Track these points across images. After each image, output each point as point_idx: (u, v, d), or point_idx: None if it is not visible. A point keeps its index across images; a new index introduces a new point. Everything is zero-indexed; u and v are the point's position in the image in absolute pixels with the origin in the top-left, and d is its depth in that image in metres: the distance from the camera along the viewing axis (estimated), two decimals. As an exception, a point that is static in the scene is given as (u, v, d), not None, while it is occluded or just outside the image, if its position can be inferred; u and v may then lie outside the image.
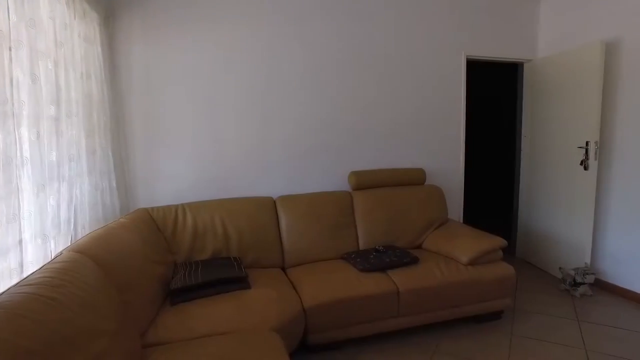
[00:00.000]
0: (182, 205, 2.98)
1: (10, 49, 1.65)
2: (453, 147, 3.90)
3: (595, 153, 3.40)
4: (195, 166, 3.24)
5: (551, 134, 3.87)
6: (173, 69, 3.12)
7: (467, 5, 3.83)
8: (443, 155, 3.87)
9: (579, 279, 3.39)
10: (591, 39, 3.55)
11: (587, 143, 3.43)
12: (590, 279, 3.36)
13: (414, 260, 2.82)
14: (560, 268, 3.63)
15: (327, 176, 3.54)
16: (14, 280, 1.59)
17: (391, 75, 3.64)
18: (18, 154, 1.70)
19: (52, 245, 1.97)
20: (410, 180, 3.48)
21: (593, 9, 3.57)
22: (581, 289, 3.39)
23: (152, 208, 2.90)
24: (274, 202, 3.17)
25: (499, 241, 2.92)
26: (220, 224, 2.94)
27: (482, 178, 7.30)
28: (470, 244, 2.90)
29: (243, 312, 2.19)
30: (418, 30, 3.70)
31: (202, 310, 2.18)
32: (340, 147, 3.56)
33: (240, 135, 3.31)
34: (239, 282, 2.44)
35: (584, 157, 3.45)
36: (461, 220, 3.95)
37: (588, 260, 3.49)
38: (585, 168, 3.46)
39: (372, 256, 2.84)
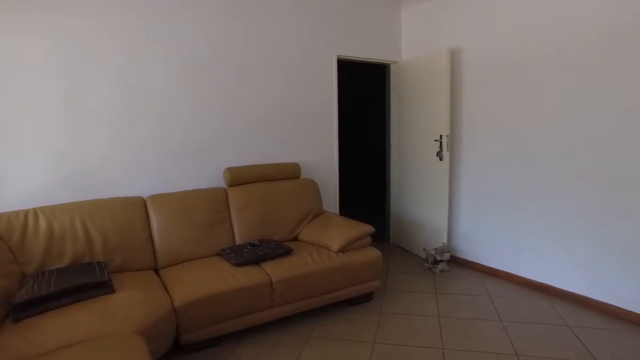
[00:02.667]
0: (34, 209, 2.67)
1: None
2: (327, 142, 4.09)
3: (447, 145, 3.84)
4: (49, 166, 2.91)
5: (414, 128, 4.28)
6: (16, 61, 2.77)
7: (337, 8, 4.05)
8: (318, 150, 4.03)
9: (438, 258, 3.80)
10: (440, 46, 4.02)
11: (440, 136, 3.86)
12: (446, 256, 3.79)
13: (288, 252, 2.90)
14: (424, 249, 4.04)
15: (203, 173, 3.46)
16: None
17: (265, 73, 3.68)
18: None
19: None
20: (286, 174, 3.57)
21: (442, 22, 4.07)
22: (440, 266, 3.81)
23: (-8, 215, 2.55)
24: (144, 201, 3.01)
25: (367, 228, 3.15)
26: (81, 227, 2.70)
27: (361, 170, 7.78)
28: (341, 233, 3.08)
29: (104, 318, 2.04)
30: (291, 30, 3.80)
31: (55, 321, 1.98)
32: (216, 143, 3.50)
33: (105, 133, 3.07)
34: (101, 288, 2.27)
35: (439, 149, 3.88)
36: (337, 211, 4.17)
37: (445, 240, 3.93)
38: (441, 159, 3.89)
39: (246, 250, 2.86)
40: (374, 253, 3.09)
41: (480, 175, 3.80)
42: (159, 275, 2.78)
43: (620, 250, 2.89)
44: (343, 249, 3.01)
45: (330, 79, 4.06)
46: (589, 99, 2.97)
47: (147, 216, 2.96)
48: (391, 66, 4.63)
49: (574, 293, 3.17)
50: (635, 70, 2.72)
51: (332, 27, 4.05)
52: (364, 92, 7.51)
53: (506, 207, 3.60)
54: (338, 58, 4.14)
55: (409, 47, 4.49)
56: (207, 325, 2.47)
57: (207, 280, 2.52)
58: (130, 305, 2.17)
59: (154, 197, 3.04)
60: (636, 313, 2.82)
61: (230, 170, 3.33)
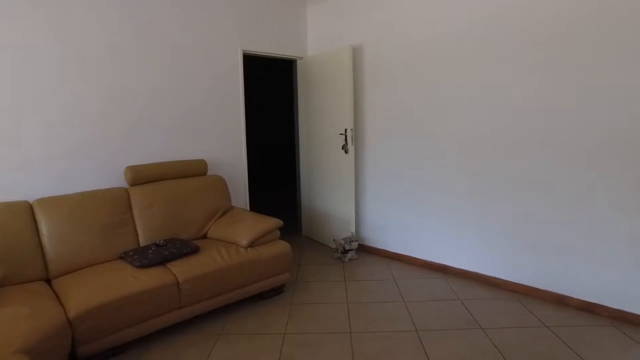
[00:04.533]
0: None
1: None
2: (235, 138, 4.05)
3: (352, 138, 4.02)
4: None
5: (320, 123, 4.41)
6: None
7: (242, 3, 4.00)
8: (225, 146, 3.98)
9: (347, 247, 3.97)
10: (344, 43, 4.18)
11: (345, 130, 4.03)
12: (354, 245, 3.98)
13: (195, 250, 2.84)
14: (334, 240, 4.19)
15: (103, 173, 3.22)
16: None
17: (167, 67, 3.53)
18: None
19: None
20: (192, 171, 3.48)
21: (345, 20, 4.23)
22: (349, 255, 3.99)
23: None
24: (30, 206, 2.73)
25: (276, 222, 3.19)
26: (-51, 240, 2.39)
27: (275, 164, 7.81)
28: (249, 228, 3.08)
29: (-19, 340, 1.84)
30: (196, 24, 3.68)
31: None
32: (117, 140, 3.27)
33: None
34: (-24, 306, 2.04)
35: (344, 142, 4.05)
36: (247, 207, 4.16)
37: (353, 230, 4.12)
38: (346, 152, 4.06)
39: (150, 251, 2.74)
40: (283, 246, 3.15)
41: (383, 166, 4.04)
42: (51, 286, 2.56)
43: (503, 230, 3.28)
44: (252, 244, 3.02)
45: (236, 74, 4.02)
46: (482, 94, 3.30)
47: (35, 222, 2.70)
48: (298, 61, 4.70)
49: (466, 270, 3.53)
50: (519, 71, 3.10)
51: (238, 22, 4.00)
52: (279, 86, 7.53)
53: (407, 195, 3.88)
54: (244, 53, 4.11)
55: (315, 43, 4.60)
56: (109, 334, 2.34)
57: (106, 286, 2.38)
58: (12, 323, 1.97)
59: (43, 201, 2.77)
60: (513, 282, 3.25)
61: (131, 168, 3.16)
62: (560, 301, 3.02)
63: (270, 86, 7.65)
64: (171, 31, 3.54)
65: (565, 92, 2.85)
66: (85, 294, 2.31)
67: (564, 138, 2.89)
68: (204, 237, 3.32)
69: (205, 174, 3.59)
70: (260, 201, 6.72)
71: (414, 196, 3.82)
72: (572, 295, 2.97)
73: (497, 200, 3.27)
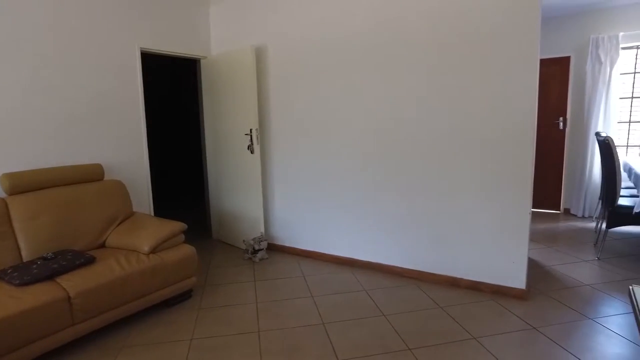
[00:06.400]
0: None
1: None
2: (135, 140, 3.84)
3: (257, 138, 4.03)
4: None
5: (226, 123, 4.35)
6: None
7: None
8: (124, 148, 3.75)
9: (257, 247, 3.97)
10: (248, 43, 4.17)
11: (250, 130, 4.02)
12: (264, 244, 4.00)
13: (90, 261, 2.65)
14: (244, 240, 4.17)
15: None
16: None
17: (54, 64, 3.22)
18: None
19: None
20: (86, 177, 3.23)
21: (248, 20, 4.21)
22: (259, 255, 4.00)
23: None
24: None
25: (179, 225, 3.10)
26: None
27: (185, 167, 7.54)
28: (151, 233, 2.96)
29: None
30: (89, 19, 3.40)
31: None
32: (-10, 145, 2.94)
33: None
34: None
35: (250, 143, 4.04)
36: (151, 212, 3.97)
37: (263, 230, 4.13)
38: (252, 152, 4.06)
39: (35, 266, 2.50)
40: (188, 250, 3.07)
41: (290, 165, 4.11)
42: None
43: (400, 222, 3.52)
44: (154, 250, 2.90)
45: (133, 73, 3.80)
46: (376, 97, 3.50)
47: None
48: (202, 61, 4.59)
49: (371, 261, 3.73)
50: (404, 74, 3.33)
51: (135, 19, 3.79)
52: (189, 86, 7.26)
53: (314, 193, 3.98)
54: (142, 51, 3.91)
55: (219, 43, 4.52)
56: (-15, 361, 2.10)
57: (-21, 309, 2.13)
58: None
59: None
60: (413, 269, 3.52)
61: (9, 176, 2.84)
62: (453, 283, 3.33)
63: (179, 86, 7.36)
64: (62, 27, 3.24)
65: (438, 95, 3.16)
66: (-47, 319, 2.05)
67: (437, 136, 3.21)
68: (102, 246, 3.11)
69: (101, 179, 3.36)
70: (169, 205, 6.45)
71: (320, 193, 3.94)
72: (462, 277, 3.29)
73: (393, 194, 3.51)
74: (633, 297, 1.40)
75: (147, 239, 2.91)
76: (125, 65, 3.74)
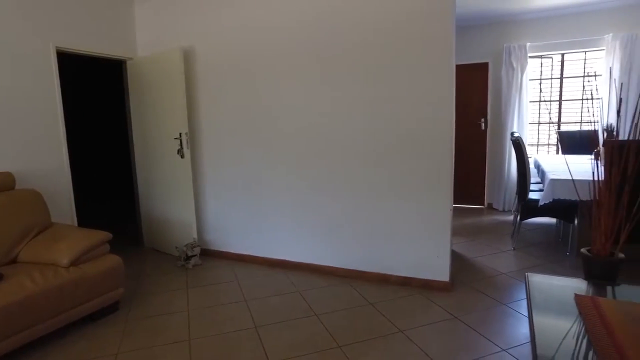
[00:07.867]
0: None
1: None
2: (52, 146, 3.59)
3: (187, 142, 3.94)
4: None
5: (154, 127, 4.20)
6: None
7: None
8: (40, 155, 3.50)
9: (190, 253, 3.89)
10: (175, 45, 4.05)
11: (180, 134, 3.92)
12: (197, 250, 3.92)
13: (-2, 278, 2.46)
14: (176, 247, 4.06)
15: None
16: None
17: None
18: None
19: None
20: (-6, 187, 2.99)
21: (176, 21, 4.10)
22: (192, 261, 3.92)
23: None
24: None
25: (103, 235, 2.96)
26: None
27: (110, 175, 7.18)
28: (71, 245, 2.79)
29: None
30: (-16, 12, 3.15)
31: None
32: None
33: None
34: None
35: (180, 147, 3.94)
36: (74, 222, 3.74)
37: (195, 235, 4.05)
38: (182, 156, 3.96)
39: None
40: (113, 260, 2.94)
41: (222, 168, 4.06)
42: None
43: (329, 222, 3.61)
44: (75, 262, 2.74)
45: (48, 74, 3.56)
46: (312, 98, 3.56)
47: None
48: (127, 63, 4.40)
49: (303, 262, 3.78)
50: (338, 79, 3.42)
51: (50, 16, 3.55)
52: (119, 89, 6.89)
53: (246, 196, 3.97)
54: (60, 50, 3.67)
55: (146, 44, 4.35)
56: None
57: None
58: None
59: None
60: (344, 268, 3.62)
61: None
62: (384, 279, 3.46)
63: (107, 90, 6.98)
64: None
65: (361, 101, 3.29)
66: None
67: (362, 140, 3.34)
68: (14, 261, 2.89)
69: (12, 188, 3.11)
70: (97, 215, 6.09)
71: (252, 196, 3.93)
72: (392, 273, 3.43)
73: (325, 196, 3.59)
74: (526, 283, 1.56)
75: (67, 251, 2.74)
76: (38, 65, 3.49)
